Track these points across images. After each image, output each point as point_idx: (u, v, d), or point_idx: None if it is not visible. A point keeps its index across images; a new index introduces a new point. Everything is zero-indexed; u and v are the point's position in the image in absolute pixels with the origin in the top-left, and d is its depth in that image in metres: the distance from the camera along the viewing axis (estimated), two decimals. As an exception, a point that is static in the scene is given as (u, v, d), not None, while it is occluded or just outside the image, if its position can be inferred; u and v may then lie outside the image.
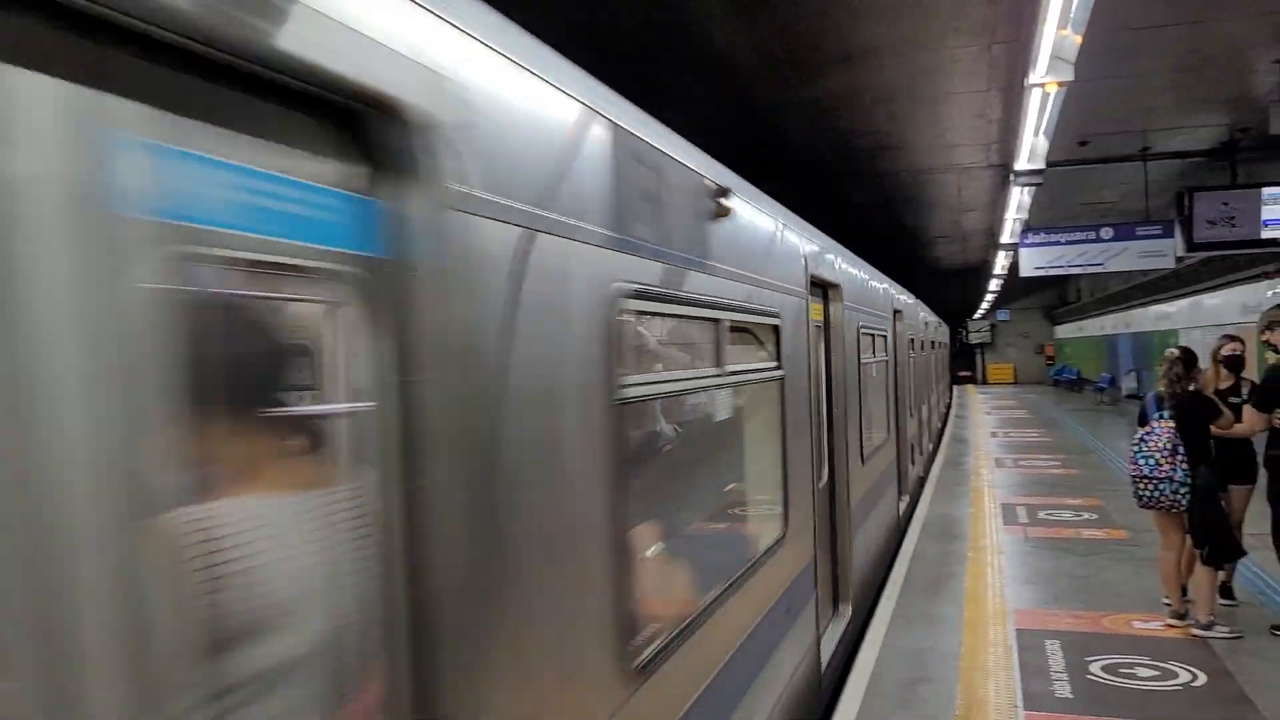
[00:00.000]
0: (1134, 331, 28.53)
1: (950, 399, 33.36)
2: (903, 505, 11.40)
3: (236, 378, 1.65)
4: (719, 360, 3.86)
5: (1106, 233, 15.17)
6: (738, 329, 4.21)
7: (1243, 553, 7.17)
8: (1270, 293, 15.40)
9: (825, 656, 5.89)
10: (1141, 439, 7.04)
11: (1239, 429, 7.08)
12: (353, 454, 1.78)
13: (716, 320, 3.82)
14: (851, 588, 7.04)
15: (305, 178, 1.60)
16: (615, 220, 2.76)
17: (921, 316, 16.88)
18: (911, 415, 13.34)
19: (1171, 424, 6.94)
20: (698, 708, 3.32)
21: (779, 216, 5.30)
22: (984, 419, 27.09)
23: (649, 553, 3.26)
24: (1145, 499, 7.01)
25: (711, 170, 3.94)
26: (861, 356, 8.18)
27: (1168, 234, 14.51)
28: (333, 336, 1.79)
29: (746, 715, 4.00)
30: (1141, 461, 6.94)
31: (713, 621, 3.59)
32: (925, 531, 10.84)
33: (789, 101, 10.45)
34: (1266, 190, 12.67)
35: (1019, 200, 14.60)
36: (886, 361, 10.46)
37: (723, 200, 3.90)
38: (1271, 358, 7.33)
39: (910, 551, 9.80)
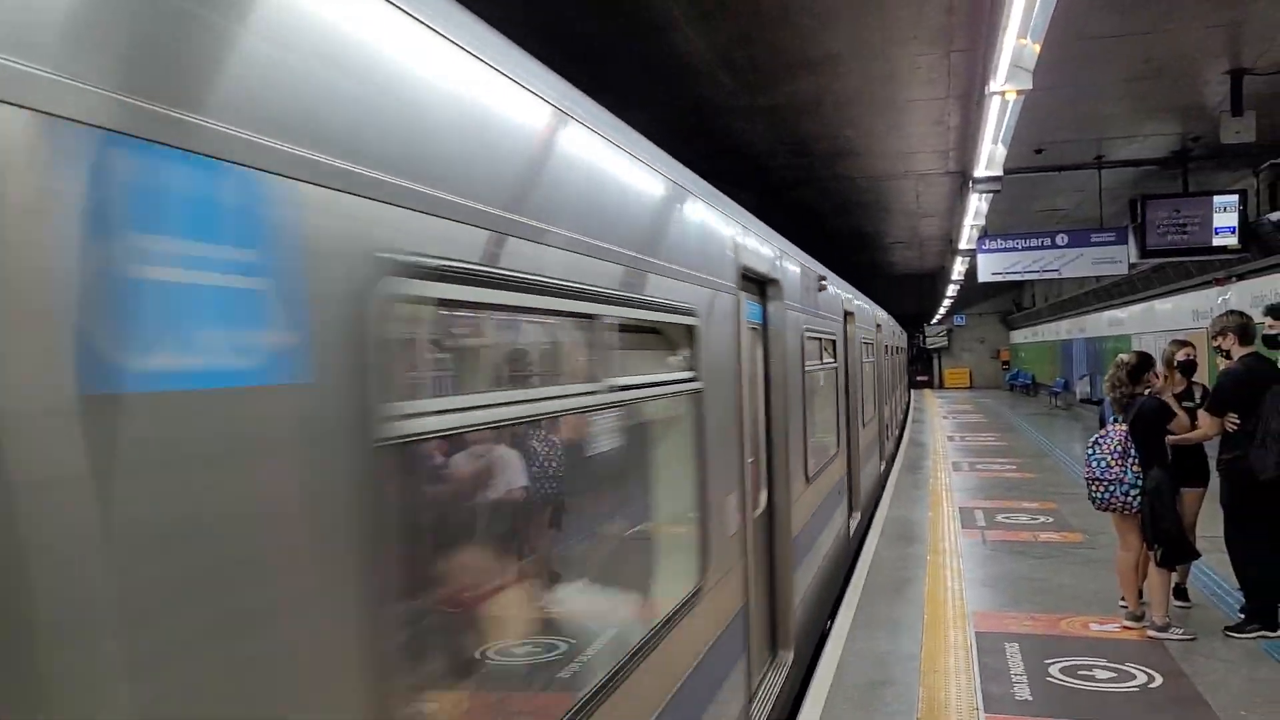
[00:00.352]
0: (1087, 337, 28.94)
1: (908, 401, 33.67)
2: (883, 466, 15.71)
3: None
4: (821, 357, 8.53)
5: (1062, 239, 15.38)
6: (824, 343, 8.80)
7: (1196, 555, 7.28)
8: (1221, 299, 15.68)
9: (851, 530, 10.46)
10: (1095, 442, 7.19)
11: (1194, 435, 7.20)
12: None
13: (819, 339, 8.32)
14: (860, 499, 11.51)
15: (754, 300, 5.75)
16: (801, 299, 7.14)
17: (891, 328, 21.63)
18: (885, 403, 17.81)
19: (1124, 428, 7.06)
20: (820, 507, 7.93)
21: (834, 280, 9.85)
22: (941, 423, 27.35)
23: (810, 437, 7.43)
24: (1098, 500, 7.15)
25: (819, 266, 8.68)
26: (862, 358, 12.67)
27: (1121, 241, 14.74)
28: (757, 353, 5.90)
29: (833, 527, 8.83)
30: (1094, 464, 7.09)
31: (823, 475, 8.14)
32: (885, 535, 10.90)
33: (750, 106, 10.48)
34: (1217, 198, 12.92)
35: (977, 206, 14.76)
36: (874, 362, 14.75)
37: (823, 281, 8.60)
38: (1222, 363, 7.46)
39: (870, 555, 9.85)
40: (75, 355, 1.18)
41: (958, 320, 49.16)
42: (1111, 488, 7.01)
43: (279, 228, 1.52)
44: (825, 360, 8.84)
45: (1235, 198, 12.90)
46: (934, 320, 48.63)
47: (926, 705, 5.79)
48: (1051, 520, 11.54)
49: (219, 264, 1.41)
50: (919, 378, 49.51)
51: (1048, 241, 15.55)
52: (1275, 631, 6.87)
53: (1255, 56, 9.34)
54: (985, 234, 16.30)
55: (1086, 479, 7.19)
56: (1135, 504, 6.94)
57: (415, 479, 2.04)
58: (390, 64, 1.89)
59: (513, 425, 2.56)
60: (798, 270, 7.27)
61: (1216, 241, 12.90)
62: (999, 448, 20.35)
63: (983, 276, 16.19)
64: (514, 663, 2.80)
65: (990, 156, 11.15)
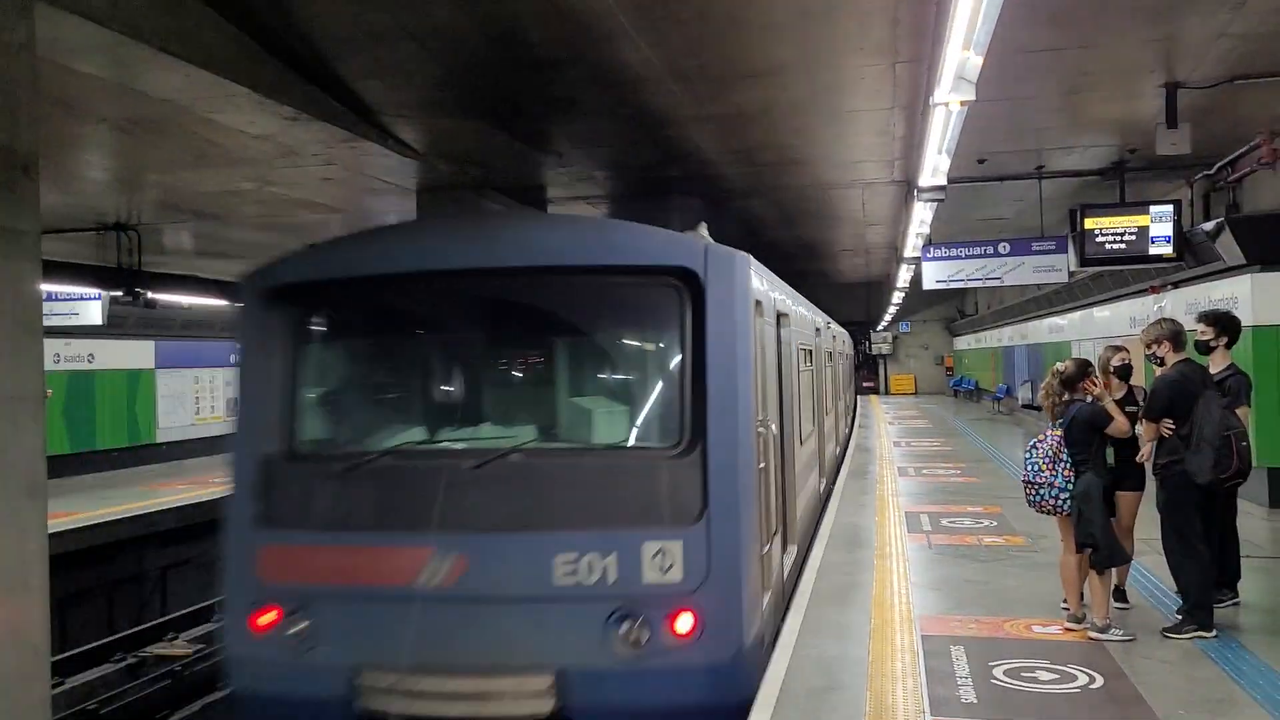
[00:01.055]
0: (1029, 343, 29.40)
1: (855, 405, 34.02)
2: (848, 431, 24.66)
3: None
4: (828, 360, 16.79)
5: (1004, 248, 15.60)
6: (827, 353, 16.63)
7: (1126, 558, 7.46)
8: (1156, 306, 16.02)
9: (838, 454, 18.58)
10: (1032, 446, 7.42)
11: (1145, 448, 7.39)
12: None
13: (825, 351, 15.92)
14: (842, 438, 20.94)
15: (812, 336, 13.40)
16: (821, 333, 15.19)
17: (845, 338, 27.74)
18: (847, 389, 26.71)
19: (1059, 433, 7.24)
20: (829, 432, 15.95)
21: (835, 323, 21.10)
22: (887, 429, 27.63)
23: (828, 396, 16.51)
24: (1030, 502, 7.39)
25: (826, 316, 18.22)
26: (839, 363, 20.95)
27: (1061, 249, 15.00)
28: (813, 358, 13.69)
29: (832, 443, 16.65)
30: (1029, 468, 7.32)
31: (829, 416, 16.26)
32: (832, 541, 10.98)
33: (699, 116, 10.51)
34: (1154, 208, 13.18)
35: (921, 215, 14.92)
36: (843, 366, 23.38)
37: (829, 324, 18.34)
38: (1158, 370, 7.64)
39: (817, 561, 9.91)
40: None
41: (903, 327, 49.65)
42: (1042, 491, 7.25)
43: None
44: (829, 363, 16.99)
45: (1170, 208, 13.17)
46: (880, 327, 49.11)
47: (874, 710, 5.84)
48: (995, 524, 11.73)
49: None
50: (865, 384, 49.97)
51: (990, 250, 15.77)
52: (1210, 632, 7.03)
53: (1189, 70, 9.56)
54: (930, 242, 16.51)
55: (1022, 482, 7.41)
56: (1065, 507, 7.13)
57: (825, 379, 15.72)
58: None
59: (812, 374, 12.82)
60: (823, 321, 16.16)
61: (1153, 250, 13.16)
62: (943, 453, 20.62)
63: (927, 284, 16.37)
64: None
65: (934, 166, 11.29)
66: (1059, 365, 7.54)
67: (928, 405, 39.27)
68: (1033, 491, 7.34)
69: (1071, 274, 15.69)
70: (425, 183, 12.70)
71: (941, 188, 12.06)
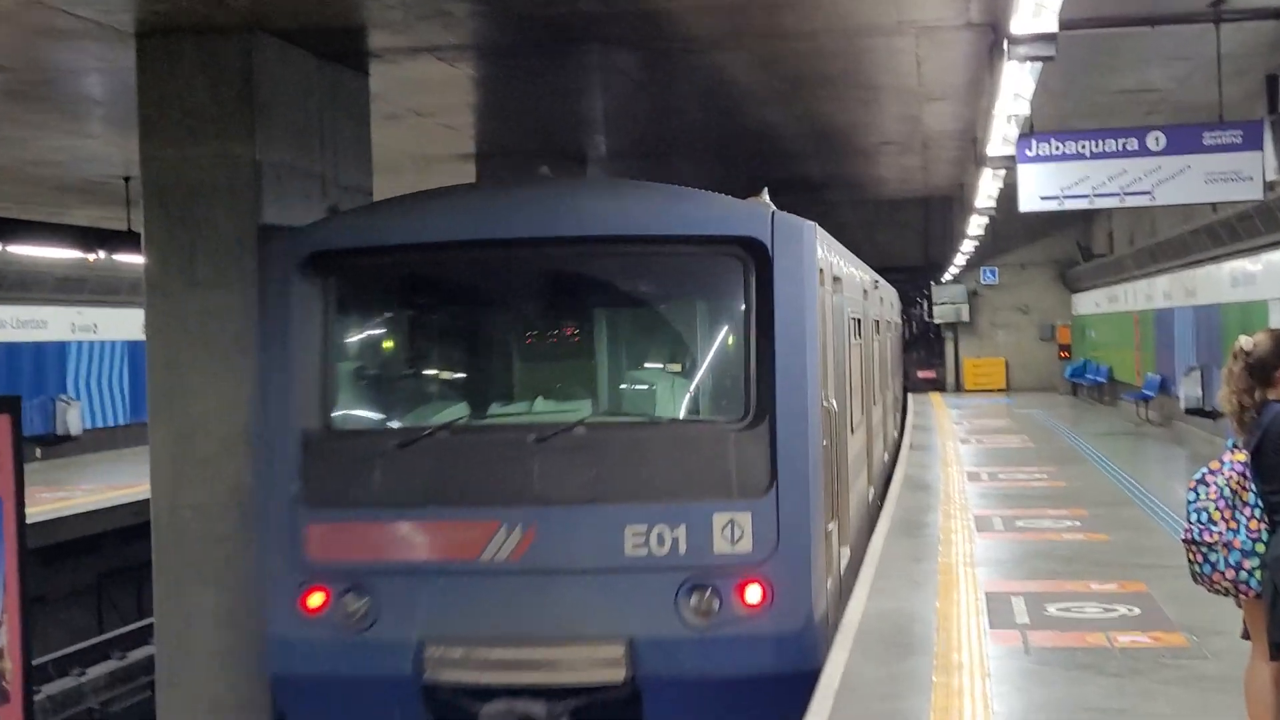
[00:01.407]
0: (1196, 304, 29.74)
1: (905, 404, 34.48)
2: (897, 437, 32.26)
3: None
4: (870, 332, 22.17)
5: (1156, 141, 15.73)
6: (876, 324, 24.91)
7: None
8: None
9: (897, 431, 34.04)
10: (1200, 481, 7.30)
11: None
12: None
13: (877, 321, 25.39)
14: (896, 397, 35.98)
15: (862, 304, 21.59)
16: (873, 301, 23.80)
17: (895, 302, 36.05)
18: (894, 379, 33.18)
19: (1243, 459, 7.24)
20: (888, 408, 29.55)
21: (884, 282, 28.95)
22: (959, 451, 27.92)
23: (878, 398, 24.56)
24: (1196, 575, 7.29)
25: (874, 274, 25.96)
26: (887, 339, 30.00)
27: (1253, 144, 15.14)
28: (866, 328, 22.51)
29: (887, 422, 28.18)
30: (1194, 518, 7.20)
31: (887, 388, 29.07)
32: (863, 640, 11.00)
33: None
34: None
35: (1017, 85, 15.04)
36: (890, 339, 31.74)
37: (877, 282, 25.34)
38: None
39: (839, 675, 9.96)
40: None
41: (986, 276, 49.83)
42: (1214, 555, 7.15)
43: None
44: (876, 334, 22.96)
45: None
46: (947, 277, 49.26)
47: None
48: (1138, 611, 11.90)
49: None
50: (921, 374, 50.39)
51: (1133, 144, 15.89)
52: None
53: None
54: (1031, 131, 16.63)
55: (1183, 541, 7.38)
56: (1253, 582, 7.14)
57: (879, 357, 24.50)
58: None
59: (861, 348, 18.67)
60: (870, 280, 22.21)
61: (1404, 146, 13.35)
62: (1051, 492, 20.88)
63: (1026, 204, 16.49)
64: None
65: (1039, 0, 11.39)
66: (1244, 341, 7.57)
67: (1029, 409, 39.71)
68: (1199, 556, 7.35)
69: (1269, 185, 15.90)
70: (149, 22, 12.53)
71: (1050, 36, 12.18)
